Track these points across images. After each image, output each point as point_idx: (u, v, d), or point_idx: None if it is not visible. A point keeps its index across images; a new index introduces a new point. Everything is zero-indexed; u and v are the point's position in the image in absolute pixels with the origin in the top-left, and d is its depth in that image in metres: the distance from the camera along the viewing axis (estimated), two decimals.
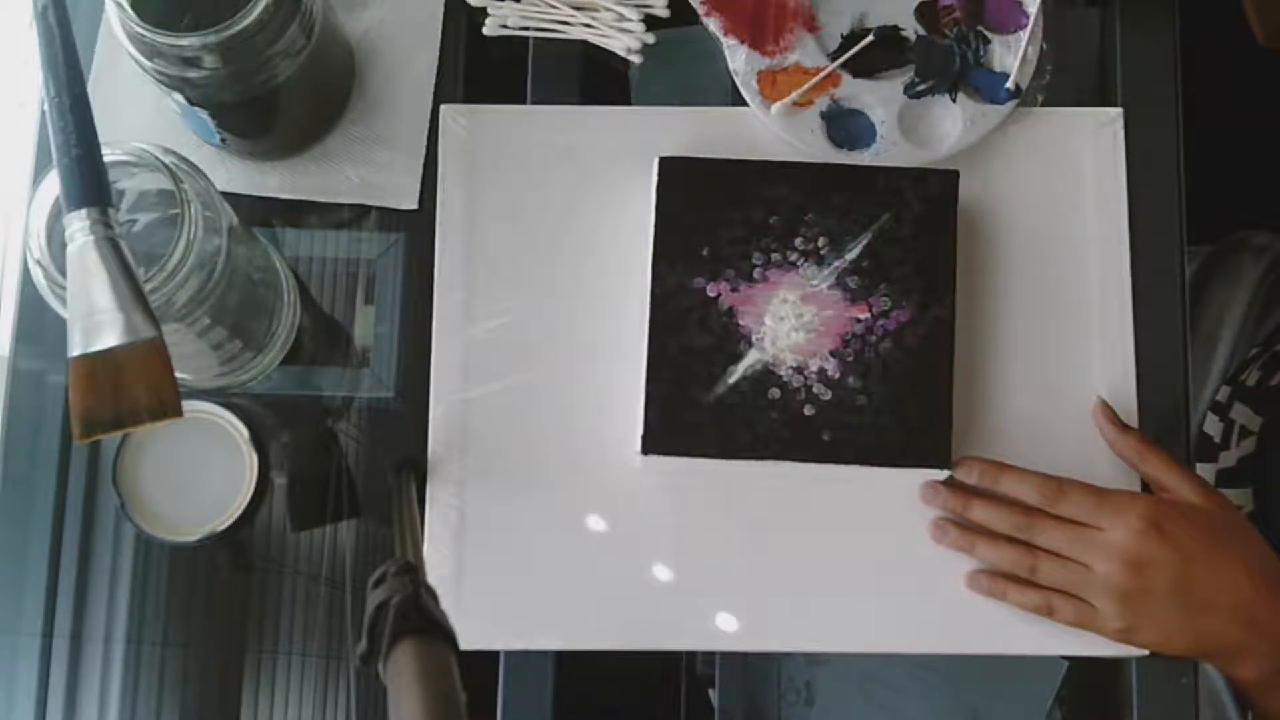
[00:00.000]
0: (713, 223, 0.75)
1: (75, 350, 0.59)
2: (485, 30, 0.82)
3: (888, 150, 0.78)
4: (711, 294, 0.75)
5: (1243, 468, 0.89)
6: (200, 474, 0.75)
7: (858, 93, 0.79)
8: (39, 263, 0.63)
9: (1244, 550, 0.72)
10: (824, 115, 0.79)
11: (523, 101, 0.81)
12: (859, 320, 0.74)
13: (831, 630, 0.75)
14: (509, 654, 0.75)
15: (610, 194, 0.79)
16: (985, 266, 0.78)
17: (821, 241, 0.75)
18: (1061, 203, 0.79)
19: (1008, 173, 0.79)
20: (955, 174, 0.76)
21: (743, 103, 0.79)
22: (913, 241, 0.75)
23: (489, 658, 0.75)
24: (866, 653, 0.77)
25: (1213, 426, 0.93)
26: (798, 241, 0.75)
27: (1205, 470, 0.92)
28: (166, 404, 0.59)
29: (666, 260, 0.75)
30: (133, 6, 0.66)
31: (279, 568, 0.78)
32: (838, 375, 0.74)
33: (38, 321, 0.80)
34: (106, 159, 0.62)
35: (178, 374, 0.60)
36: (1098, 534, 0.72)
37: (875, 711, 0.83)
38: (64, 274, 0.60)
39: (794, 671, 0.82)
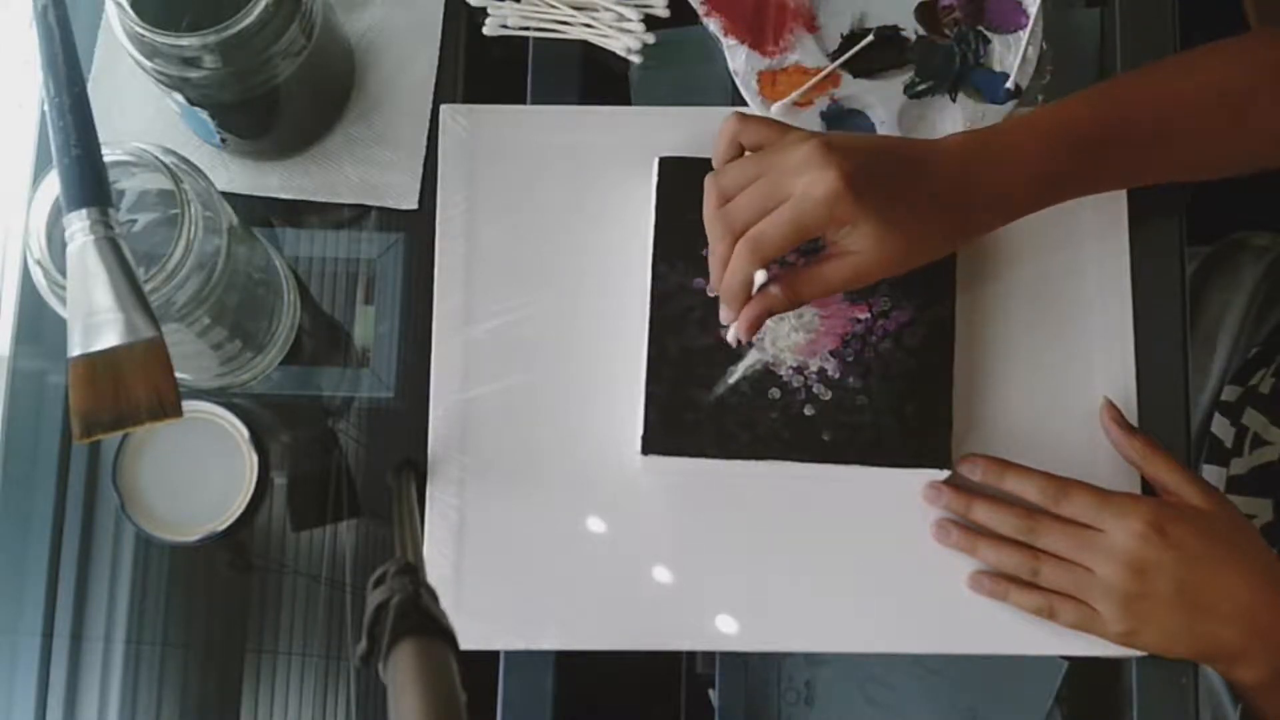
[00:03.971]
0: None
1: (75, 350, 0.59)
2: (485, 30, 0.82)
3: None
4: (711, 294, 0.75)
5: (1258, 477, 0.89)
6: (200, 474, 0.75)
7: (858, 93, 0.79)
8: (39, 263, 0.63)
9: (1245, 553, 0.72)
10: (824, 115, 0.79)
11: (523, 101, 0.81)
12: (859, 320, 0.74)
13: (831, 630, 0.75)
14: (509, 654, 0.75)
15: (610, 194, 0.79)
16: (985, 266, 0.78)
17: (821, 241, 0.75)
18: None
19: None
20: None
21: (743, 103, 0.79)
22: None
23: (489, 658, 0.75)
24: (866, 653, 0.77)
25: (1221, 429, 0.93)
26: None
27: (1214, 474, 0.92)
28: (166, 404, 0.60)
29: (666, 260, 0.75)
30: (133, 6, 0.66)
31: (279, 568, 0.78)
32: (838, 375, 0.74)
33: (38, 321, 0.80)
34: (106, 159, 0.62)
35: (178, 374, 0.60)
36: (1100, 536, 0.71)
37: (875, 711, 0.83)
38: (64, 274, 0.61)
39: (794, 671, 0.82)
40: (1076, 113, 0.71)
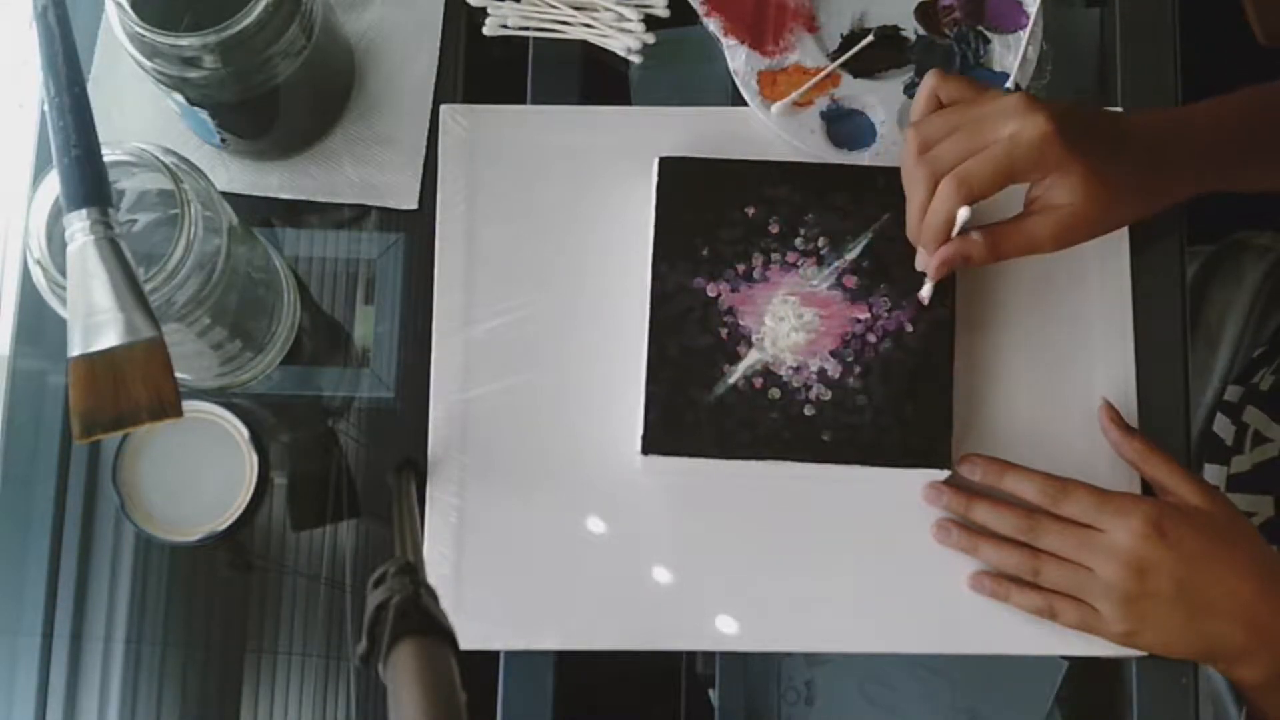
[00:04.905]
0: (713, 223, 0.75)
1: (75, 350, 0.59)
2: (485, 30, 0.82)
3: (888, 150, 0.78)
4: (711, 294, 0.75)
5: (1260, 474, 0.89)
6: (200, 474, 0.75)
7: (858, 93, 0.79)
8: (39, 263, 0.63)
9: (1246, 552, 0.72)
10: (824, 115, 0.79)
11: (523, 101, 0.81)
12: (859, 320, 0.74)
13: (831, 630, 0.75)
14: (509, 654, 0.75)
15: (610, 194, 0.79)
16: (985, 267, 0.78)
17: (821, 241, 0.75)
18: None
19: None
20: None
21: (743, 103, 0.79)
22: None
23: (489, 658, 0.75)
24: (866, 653, 0.77)
25: (1223, 428, 0.93)
26: (798, 241, 0.75)
27: (1215, 472, 0.92)
28: (166, 404, 0.60)
29: (666, 260, 0.75)
30: (133, 6, 0.66)
31: (279, 568, 0.78)
32: (838, 375, 0.74)
33: (38, 321, 0.80)
34: (106, 159, 0.62)
35: (178, 374, 0.60)
36: (1100, 536, 0.71)
37: (875, 711, 0.83)
38: (64, 274, 0.61)
39: (794, 671, 0.82)
40: (1242, 107, 0.75)
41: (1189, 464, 0.76)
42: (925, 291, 0.73)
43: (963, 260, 0.69)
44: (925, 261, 0.70)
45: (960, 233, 0.68)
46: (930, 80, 0.70)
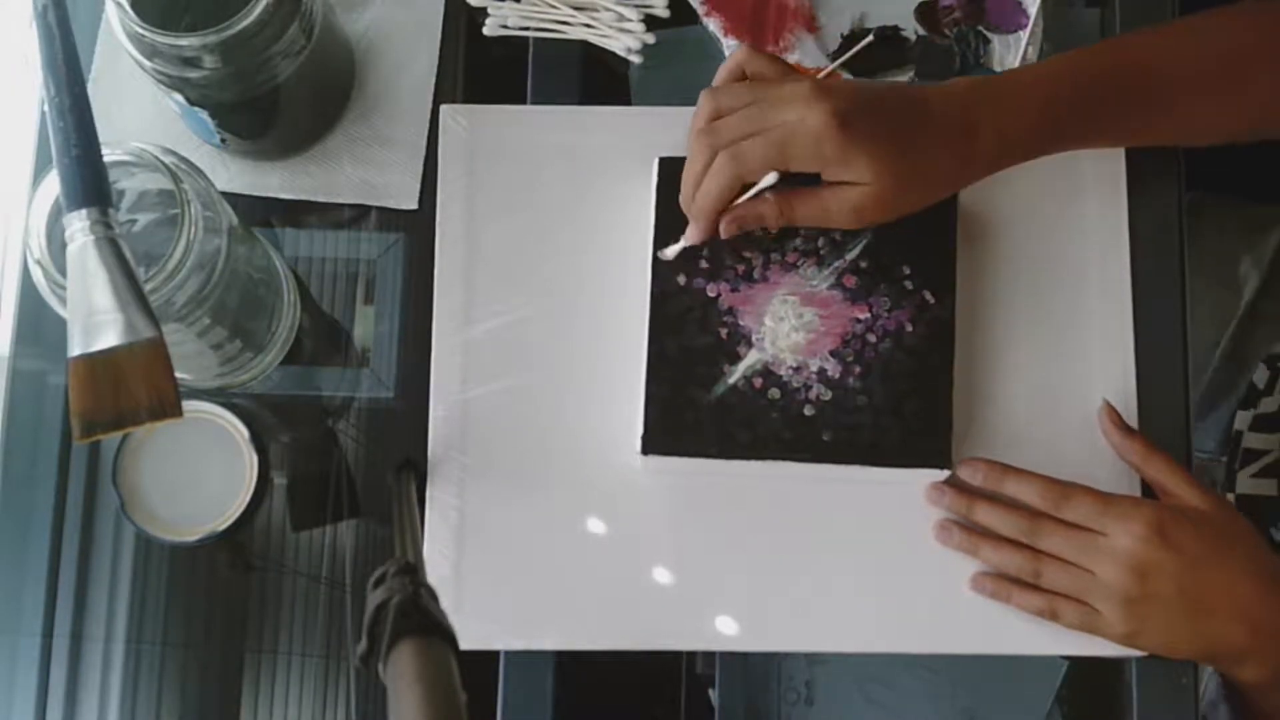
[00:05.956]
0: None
1: (75, 350, 0.59)
2: (485, 30, 0.82)
3: None
4: (711, 294, 0.75)
5: None
6: (200, 474, 0.75)
7: None
8: (39, 263, 0.63)
9: (1247, 553, 0.72)
10: None
11: (523, 101, 0.81)
12: (859, 320, 0.74)
13: (831, 630, 0.75)
14: (509, 654, 0.75)
15: (610, 194, 0.79)
16: (985, 266, 0.78)
17: (821, 241, 0.75)
18: (1061, 202, 0.79)
19: (1007, 172, 0.79)
20: None
21: None
22: (912, 241, 0.75)
23: (489, 658, 0.75)
24: (866, 653, 0.77)
25: (1260, 377, 0.93)
26: (798, 241, 0.75)
27: (1243, 416, 0.92)
28: (166, 404, 0.60)
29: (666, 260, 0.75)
30: (133, 6, 0.66)
31: (279, 568, 0.78)
32: (838, 375, 0.74)
33: (38, 321, 0.80)
34: (106, 159, 0.62)
35: (178, 374, 0.60)
36: (1101, 539, 0.71)
37: (875, 711, 0.83)
38: (64, 274, 0.61)
39: (794, 671, 0.82)
40: (1081, 64, 0.72)
41: (1189, 464, 0.76)
42: (670, 251, 0.73)
43: (756, 220, 0.69)
44: (692, 233, 0.71)
45: (756, 191, 0.69)
46: (739, 53, 0.70)
